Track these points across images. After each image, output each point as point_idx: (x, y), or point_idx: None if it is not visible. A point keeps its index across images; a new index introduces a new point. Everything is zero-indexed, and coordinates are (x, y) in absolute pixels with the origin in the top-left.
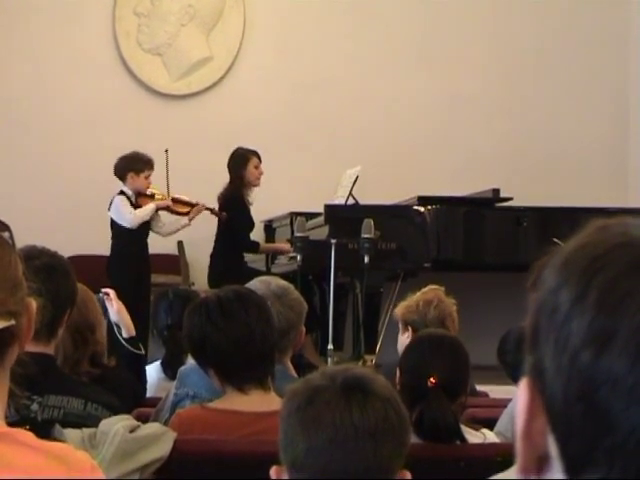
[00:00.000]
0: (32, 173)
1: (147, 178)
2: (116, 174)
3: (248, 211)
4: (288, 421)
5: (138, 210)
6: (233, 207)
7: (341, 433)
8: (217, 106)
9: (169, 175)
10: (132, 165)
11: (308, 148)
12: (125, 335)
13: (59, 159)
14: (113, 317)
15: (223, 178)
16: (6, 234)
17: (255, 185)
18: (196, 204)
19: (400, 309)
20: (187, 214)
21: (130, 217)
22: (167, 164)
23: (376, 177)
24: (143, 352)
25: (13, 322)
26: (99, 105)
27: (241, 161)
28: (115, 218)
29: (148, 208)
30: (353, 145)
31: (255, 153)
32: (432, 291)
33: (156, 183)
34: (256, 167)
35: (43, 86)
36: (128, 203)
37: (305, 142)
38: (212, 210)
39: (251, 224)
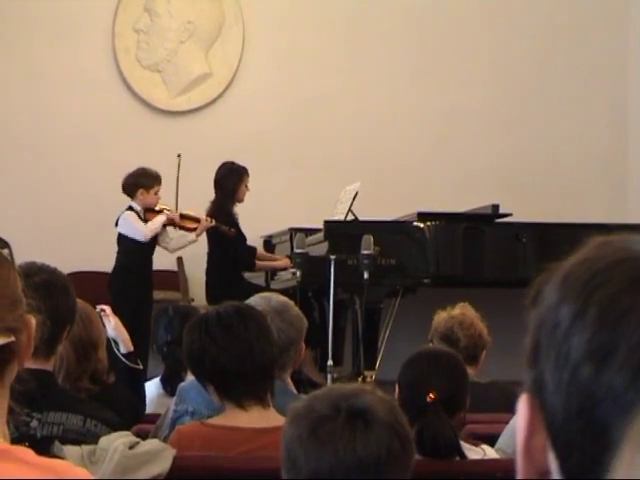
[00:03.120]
0: (31, 189)
1: (156, 194)
2: (125, 191)
3: (238, 224)
4: (290, 446)
5: (149, 223)
6: (228, 222)
7: (345, 464)
8: (217, 122)
9: (179, 183)
10: (141, 181)
11: (307, 163)
12: (123, 350)
13: (58, 175)
14: (111, 333)
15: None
16: (5, 251)
17: (240, 202)
18: (200, 219)
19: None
20: (194, 229)
21: (143, 230)
22: (179, 169)
23: (375, 193)
24: (141, 367)
25: (12, 339)
26: (98, 121)
27: (237, 177)
28: (126, 233)
29: (158, 221)
30: (352, 161)
31: (247, 171)
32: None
33: (162, 197)
34: (246, 185)
35: (41, 102)
36: (137, 218)
37: (304, 157)
38: (220, 227)
39: (245, 238)
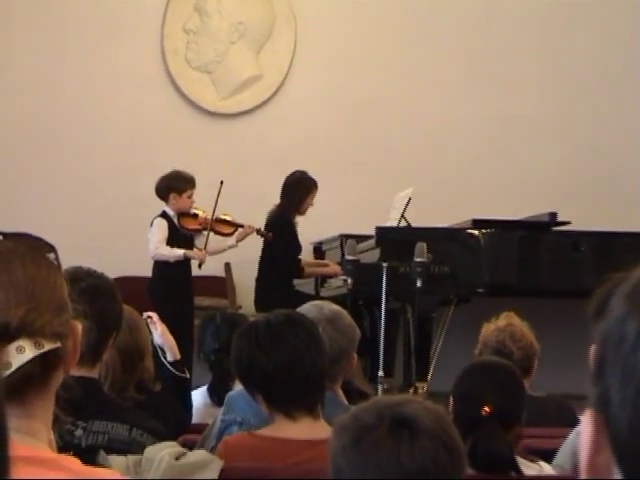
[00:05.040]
0: (77, 192)
1: (190, 197)
2: (158, 195)
3: (296, 235)
4: (335, 458)
5: (165, 248)
6: (282, 229)
7: (389, 475)
8: (266, 125)
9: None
10: (174, 185)
11: (359, 169)
12: (170, 359)
13: (105, 178)
14: (157, 340)
15: (272, 199)
16: (51, 255)
17: (303, 214)
18: (241, 225)
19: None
20: (231, 234)
21: (153, 248)
22: (218, 195)
23: (429, 199)
24: (188, 376)
25: (59, 344)
26: (146, 123)
27: (305, 189)
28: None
29: (175, 254)
30: (405, 166)
31: (317, 185)
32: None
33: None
34: (312, 198)
35: (90, 103)
36: (164, 229)
37: (356, 163)
38: (258, 230)
39: (298, 248)
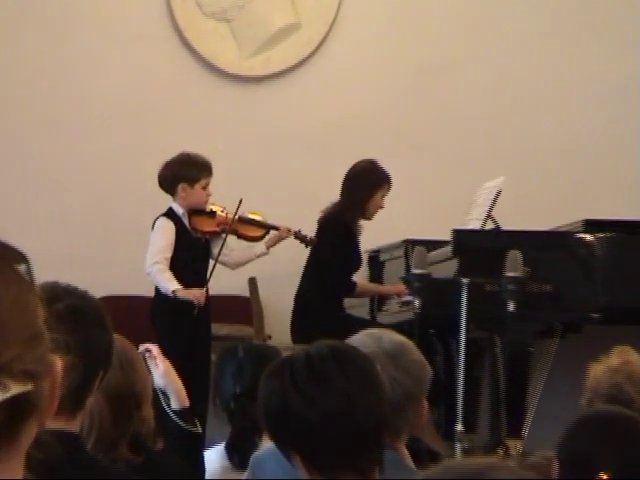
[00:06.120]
0: (55, 183)
1: (205, 189)
2: (162, 186)
3: (356, 245)
4: None
5: (162, 269)
6: (337, 235)
7: None
8: (303, 93)
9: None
10: (184, 173)
11: (429, 153)
12: (175, 406)
13: (91, 165)
14: (158, 382)
15: (308, 187)
16: (22, 267)
17: (369, 219)
18: (274, 227)
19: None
20: (260, 239)
21: (150, 263)
22: (236, 213)
23: (525, 193)
24: (200, 430)
25: (30, 387)
26: (145, 89)
27: (371, 183)
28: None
29: (166, 286)
30: (492, 149)
31: (389, 179)
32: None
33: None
34: (383, 197)
35: (68, 62)
36: (169, 232)
37: (425, 144)
38: (297, 234)
39: (355, 262)
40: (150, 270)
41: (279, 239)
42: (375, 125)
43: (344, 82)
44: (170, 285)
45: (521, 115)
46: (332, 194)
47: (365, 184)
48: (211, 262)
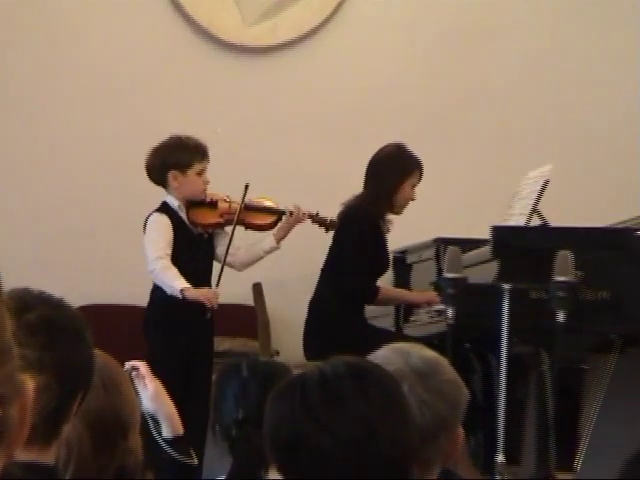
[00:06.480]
0: (27, 171)
1: (200, 175)
2: (152, 177)
3: (383, 242)
4: None
5: (168, 266)
6: (360, 231)
7: None
8: (317, 65)
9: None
10: (174, 159)
11: (462, 136)
12: (167, 435)
13: (69, 153)
14: (147, 406)
15: (321, 175)
16: None
17: (398, 213)
18: (284, 211)
19: None
20: (272, 226)
21: (153, 259)
22: (243, 200)
23: (576, 183)
24: (196, 462)
25: None
26: (134, 64)
27: (399, 171)
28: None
29: (173, 285)
30: (537, 132)
31: (420, 166)
32: None
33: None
34: (413, 187)
35: (45, 36)
36: (165, 228)
37: (457, 126)
38: (315, 217)
39: (381, 263)
40: (154, 267)
41: (291, 226)
42: (399, 103)
43: (362, 53)
44: (177, 284)
45: (571, 92)
46: (350, 182)
47: (392, 172)
48: (216, 264)
